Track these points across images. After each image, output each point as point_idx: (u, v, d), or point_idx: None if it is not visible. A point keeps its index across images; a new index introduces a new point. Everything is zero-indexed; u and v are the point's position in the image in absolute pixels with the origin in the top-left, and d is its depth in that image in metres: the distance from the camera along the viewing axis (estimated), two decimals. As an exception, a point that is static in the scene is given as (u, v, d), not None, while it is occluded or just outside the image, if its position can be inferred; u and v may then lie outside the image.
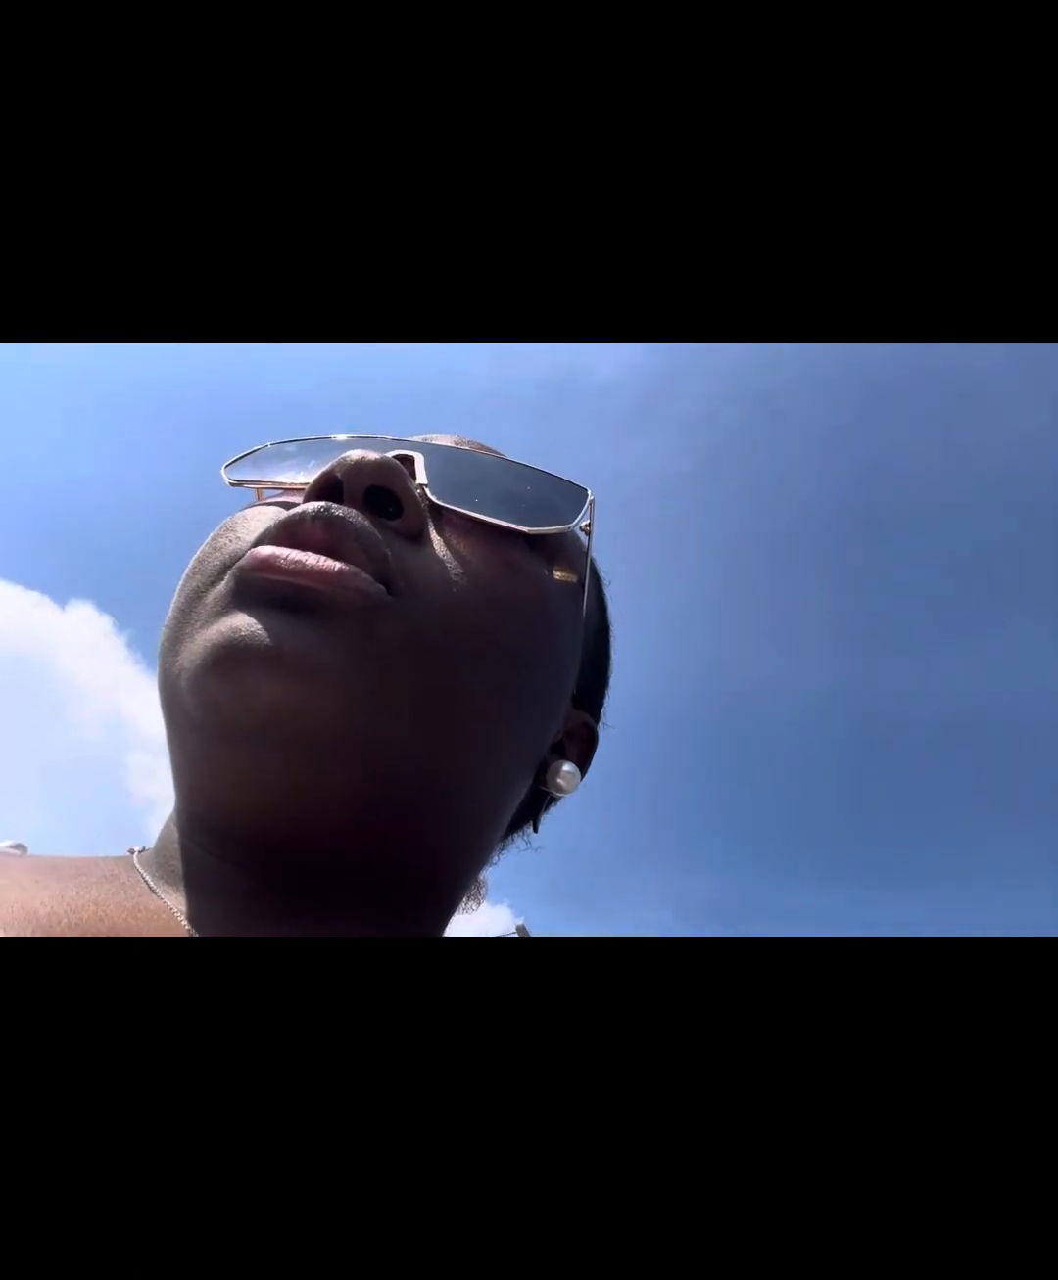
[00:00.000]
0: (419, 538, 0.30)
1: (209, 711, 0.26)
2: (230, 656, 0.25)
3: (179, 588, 0.31)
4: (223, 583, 0.28)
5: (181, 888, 0.28)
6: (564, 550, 0.35)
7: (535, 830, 0.39)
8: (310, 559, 0.26)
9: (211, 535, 0.32)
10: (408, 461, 0.32)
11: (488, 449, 0.37)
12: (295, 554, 0.26)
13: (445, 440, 0.36)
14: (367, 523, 0.28)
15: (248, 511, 0.32)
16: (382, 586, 0.27)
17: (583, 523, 0.34)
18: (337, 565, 0.26)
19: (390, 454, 0.31)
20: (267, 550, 0.27)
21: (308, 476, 0.31)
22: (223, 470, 0.35)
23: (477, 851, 0.33)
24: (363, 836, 0.28)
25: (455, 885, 0.33)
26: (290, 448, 0.35)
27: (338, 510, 0.28)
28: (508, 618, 0.30)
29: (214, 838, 0.28)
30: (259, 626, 0.26)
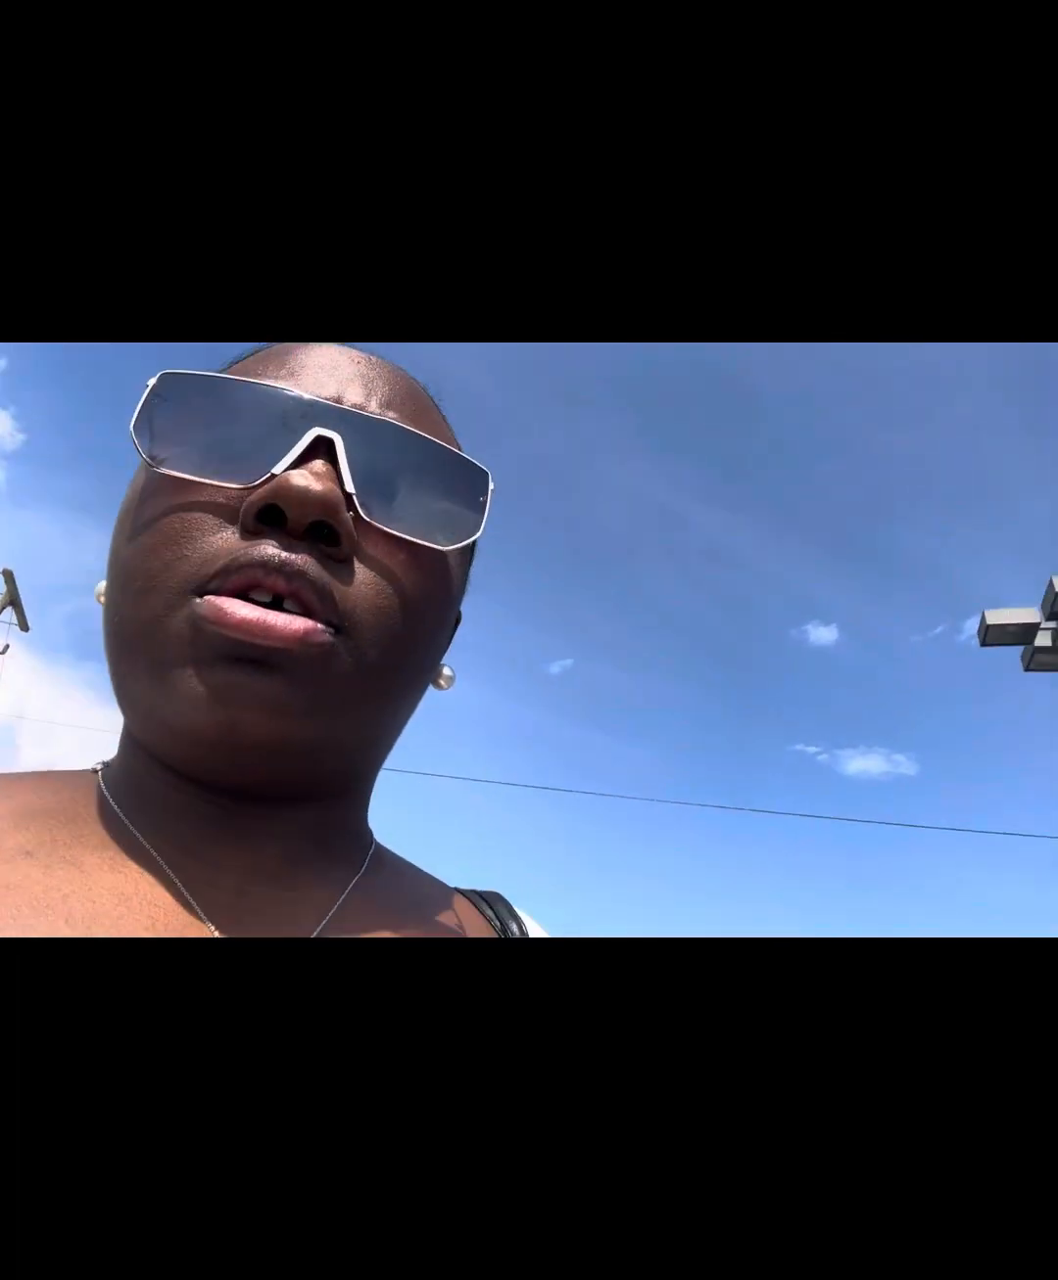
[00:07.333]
0: (349, 560, 0.32)
1: (194, 744, 0.31)
2: (216, 708, 0.29)
3: (122, 591, 0.32)
4: (180, 619, 0.30)
5: (144, 810, 0.33)
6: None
7: None
8: (277, 622, 0.29)
9: (142, 535, 0.32)
10: (328, 445, 0.31)
11: (396, 371, 0.37)
12: (261, 619, 0.29)
13: (348, 362, 0.35)
14: (320, 570, 0.30)
15: (178, 518, 0.31)
16: (332, 630, 0.30)
17: (482, 498, 0.35)
18: (299, 626, 0.29)
19: (311, 435, 0.31)
20: (231, 610, 0.29)
21: (231, 467, 0.31)
22: (130, 428, 0.33)
23: (380, 761, 0.39)
24: (300, 783, 0.34)
25: (366, 784, 0.39)
26: (198, 386, 0.33)
27: (297, 562, 0.30)
28: (425, 619, 0.34)
29: (171, 775, 0.33)
30: (238, 683, 0.29)
